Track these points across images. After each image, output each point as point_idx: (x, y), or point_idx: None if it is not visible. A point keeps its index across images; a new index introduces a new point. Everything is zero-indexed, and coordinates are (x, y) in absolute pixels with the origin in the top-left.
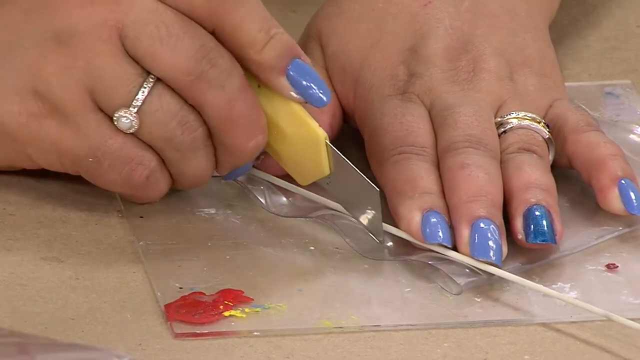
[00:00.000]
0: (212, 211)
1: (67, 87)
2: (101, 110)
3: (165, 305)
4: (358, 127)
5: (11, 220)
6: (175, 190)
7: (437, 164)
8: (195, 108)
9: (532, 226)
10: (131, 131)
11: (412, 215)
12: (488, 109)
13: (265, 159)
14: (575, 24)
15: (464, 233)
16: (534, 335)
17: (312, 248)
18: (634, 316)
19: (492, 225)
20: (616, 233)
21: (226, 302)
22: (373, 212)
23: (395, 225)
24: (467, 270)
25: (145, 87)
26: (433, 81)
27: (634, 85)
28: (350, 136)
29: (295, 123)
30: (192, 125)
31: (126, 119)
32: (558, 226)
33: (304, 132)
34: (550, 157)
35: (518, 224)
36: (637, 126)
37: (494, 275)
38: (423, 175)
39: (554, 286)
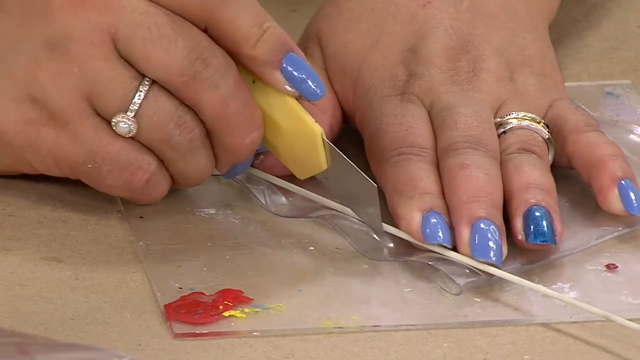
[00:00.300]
0: (212, 211)
1: (63, 93)
2: (98, 115)
3: (165, 306)
4: (358, 127)
5: (11, 220)
6: (175, 190)
7: (437, 164)
8: (191, 108)
9: (532, 227)
10: (130, 135)
11: (412, 215)
12: (488, 109)
13: (265, 159)
14: (575, 24)
15: (464, 233)
16: (533, 335)
17: (312, 248)
18: (633, 316)
19: (492, 226)
20: (616, 233)
21: (226, 302)
22: (371, 207)
23: (395, 225)
24: (467, 271)
25: (141, 91)
26: (433, 81)
27: (634, 85)
28: (350, 136)
29: (291, 118)
30: (189, 125)
31: (124, 123)
32: (558, 227)
33: (300, 127)
34: (550, 157)
35: (518, 224)
36: (637, 126)
37: (493, 275)
38: (423, 175)
39: (553, 286)
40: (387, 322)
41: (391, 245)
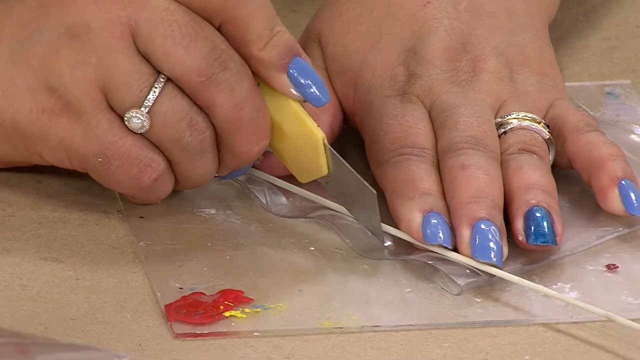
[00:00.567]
0: (212, 211)
1: (80, 83)
2: (111, 109)
3: (166, 306)
4: (358, 128)
5: (11, 220)
6: (176, 191)
7: (437, 165)
8: (203, 110)
9: (532, 227)
10: (142, 131)
11: (413, 216)
12: (488, 110)
13: (265, 159)
14: (575, 24)
15: (465, 234)
16: (534, 335)
17: (312, 248)
18: (634, 316)
19: (493, 227)
20: (616, 233)
21: (226, 302)
22: (371, 213)
23: (395, 225)
24: (467, 271)
25: (156, 87)
26: (433, 82)
27: (634, 85)
28: (350, 137)
29: (294, 122)
30: (200, 126)
31: (137, 119)
32: (558, 227)
33: (303, 132)
34: (551, 158)
35: (519, 225)
36: (637, 126)
37: (494, 275)
38: (423, 176)
39: (554, 287)
40: (388, 322)
41: (391, 244)
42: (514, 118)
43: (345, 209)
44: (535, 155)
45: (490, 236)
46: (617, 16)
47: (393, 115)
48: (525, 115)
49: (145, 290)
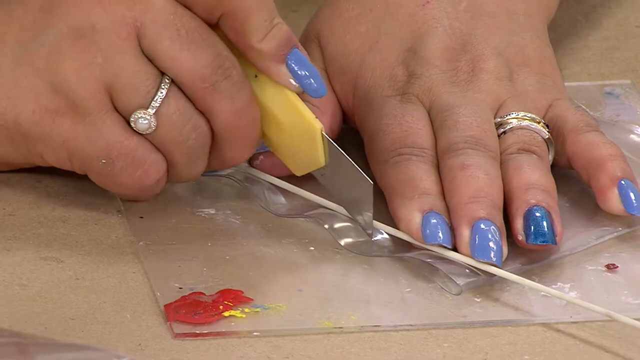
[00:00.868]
0: (212, 211)
1: (85, 84)
2: (116, 110)
3: (165, 305)
4: (357, 128)
5: (11, 220)
6: (175, 191)
7: (437, 165)
8: (202, 114)
9: (532, 227)
10: (148, 132)
11: (412, 216)
12: (487, 110)
13: (264, 159)
14: (574, 23)
15: (465, 234)
16: (534, 335)
17: (312, 248)
18: (633, 316)
19: (493, 227)
20: (616, 233)
21: (226, 302)
22: (365, 205)
23: (395, 225)
24: (467, 271)
25: (163, 89)
26: (432, 82)
27: (634, 85)
28: (350, 137)
29: (291, 113)
30: (203, 130)
31: (144, 119)
32: (558, 227)
33: (301, 123)
34: (550, 158)
35: (518, 225)
36: (637, 126)
37: (494, 275)
38: (423, 176)
39: (553, 286)
40: (387, 322)
41: (390, 243)
42: (514, 118)
43: (342, 209)
44: (534, 155)
45: (490, 236)
46: (617, 16)
47: (392, 115)
48: (525, 115)
49: (145, 290)
